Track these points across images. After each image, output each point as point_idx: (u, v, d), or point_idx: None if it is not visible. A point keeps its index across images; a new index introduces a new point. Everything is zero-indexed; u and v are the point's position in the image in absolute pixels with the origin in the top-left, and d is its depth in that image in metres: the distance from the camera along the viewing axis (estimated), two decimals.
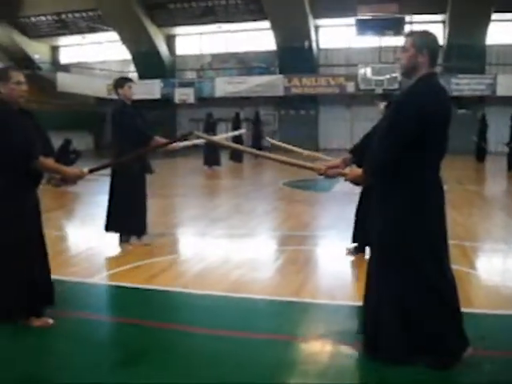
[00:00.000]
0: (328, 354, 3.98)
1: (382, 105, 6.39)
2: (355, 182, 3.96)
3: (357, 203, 6.55)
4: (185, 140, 6.71)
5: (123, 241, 7.10)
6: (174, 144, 6.72)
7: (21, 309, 4.25)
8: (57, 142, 16.85)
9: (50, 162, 4.34)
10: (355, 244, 6.57)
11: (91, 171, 4.54)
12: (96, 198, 11.15)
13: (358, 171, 3.85)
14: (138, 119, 6.97)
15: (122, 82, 7.01)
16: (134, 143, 6.72)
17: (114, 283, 5.80)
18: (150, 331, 4.35)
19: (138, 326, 4.41)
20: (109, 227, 7.11)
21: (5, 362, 3.84)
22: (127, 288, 5.50)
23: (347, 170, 4.05)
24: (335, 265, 6.39)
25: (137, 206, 7.06)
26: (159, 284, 5.55)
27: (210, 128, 18.76)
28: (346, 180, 4.07)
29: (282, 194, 12.97)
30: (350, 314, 4.82)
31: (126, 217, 6.97)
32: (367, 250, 6.40)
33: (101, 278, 5.82)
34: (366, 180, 3.82)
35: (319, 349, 4.08)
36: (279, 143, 7.76)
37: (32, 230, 4.30)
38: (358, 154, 4.11)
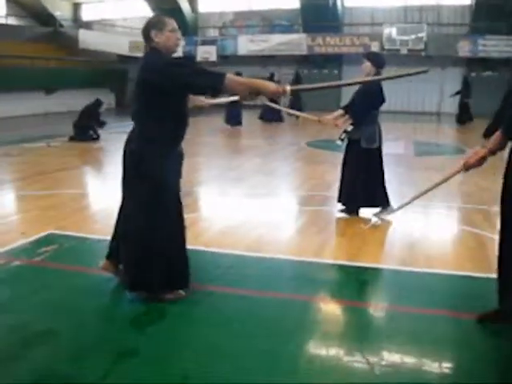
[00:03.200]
0: (348, 315, 4.00)
1: (368, 63, 6.32)
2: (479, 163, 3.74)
3: (341, 167, 6.98)
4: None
5: None
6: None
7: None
8: (82, 99, 16.92)
9: (237, 77, 3.88)
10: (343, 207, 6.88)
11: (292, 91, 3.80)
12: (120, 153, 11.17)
13: (481, 151, 3.65)
14: None
15: None
16: None
17: None
18: None
19: None
20: None
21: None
22: None
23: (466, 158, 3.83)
24: (355, 226, 6.37)
25: None
26: None
27: None
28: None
29: (304, 153, 12.90)
30: (370, 275, 4.82)
31: None
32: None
33: None
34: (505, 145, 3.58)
35: (339, 309, 4.10)
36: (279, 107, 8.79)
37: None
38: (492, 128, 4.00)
